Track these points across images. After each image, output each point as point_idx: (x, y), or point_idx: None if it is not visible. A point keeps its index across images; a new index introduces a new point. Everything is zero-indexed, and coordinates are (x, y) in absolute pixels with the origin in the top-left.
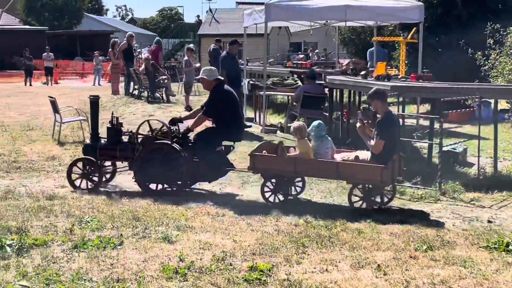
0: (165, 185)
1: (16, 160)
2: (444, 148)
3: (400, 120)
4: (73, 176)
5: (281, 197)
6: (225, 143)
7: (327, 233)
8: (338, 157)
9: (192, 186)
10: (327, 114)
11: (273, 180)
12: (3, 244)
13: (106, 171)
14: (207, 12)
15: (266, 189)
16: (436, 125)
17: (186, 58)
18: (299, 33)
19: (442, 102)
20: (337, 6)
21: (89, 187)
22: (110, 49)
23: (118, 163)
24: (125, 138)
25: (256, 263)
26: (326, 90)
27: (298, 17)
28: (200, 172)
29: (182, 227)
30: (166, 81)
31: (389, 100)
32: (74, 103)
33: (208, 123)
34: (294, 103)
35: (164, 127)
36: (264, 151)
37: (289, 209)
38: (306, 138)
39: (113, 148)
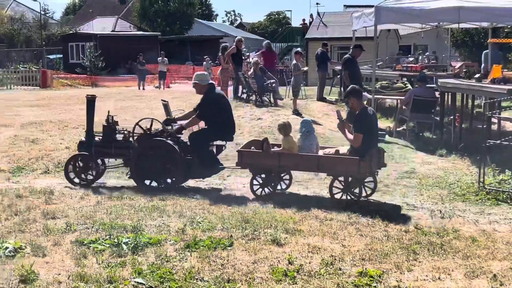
0: (161, 181)
1: None
2: None
3: None
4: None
5: (268, 191)
6: (217, 142)
7: (439, 241)
8: (321, 152)
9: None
10: (438, 119)
11: (263, 176)
12: (119, 242)
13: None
14: (311, 16)
15: (254, 183)
16: None
17: (294, 62)
18: (408, 35)
19: None
20: (450, 8)
21: (82, 182)
22: (220, 54)
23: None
24: (119, 136)
25: (366, 268)
26: (437, 93)
27: (409, 20)
28: (193, 169)
29: (291, 230)
30: (274, 85)
31: (505, 104)
32: (185, 106)
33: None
34: (404, 107)
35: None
36: (252, 147)
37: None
38: (291, 135)
39: (108, 146)
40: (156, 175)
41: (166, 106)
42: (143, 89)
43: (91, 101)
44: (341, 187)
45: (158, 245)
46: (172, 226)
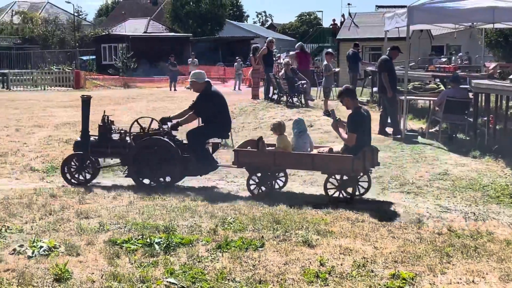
0: (159, 180)
1: None
2: None
3: None
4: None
5: (265, 190)
6: (213, 140)
7: (473, 243)
8: (316, 151)
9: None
10: (472, 120)
11: (258, 174)
12: (152, 242)
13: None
14: (342, 16)
15: (251, 182)
16: None
17: (325, 62)
18: (441, 36)
19: None
20: (484, 8)
21: (80, 182)
22: (251, 55)
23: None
24: (115, 136)
25: (398, 271)
26: (471, 94)
27: (442, 20)
28: (190, 167)
29: (322, 231)
30: (305, 86)
31: None
32: None
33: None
34: (437, 108)
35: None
36: (248, 147)
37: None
38: (285, 134)
39: (104, 145)
40: (154, 174)
41: None
42: (175, 90)
43: (86, 102)
44: (336, 185)
45: (190, 245)
46: (203, 226)
